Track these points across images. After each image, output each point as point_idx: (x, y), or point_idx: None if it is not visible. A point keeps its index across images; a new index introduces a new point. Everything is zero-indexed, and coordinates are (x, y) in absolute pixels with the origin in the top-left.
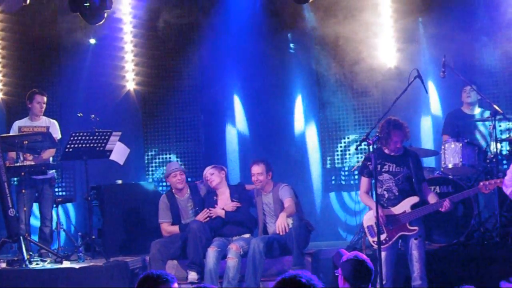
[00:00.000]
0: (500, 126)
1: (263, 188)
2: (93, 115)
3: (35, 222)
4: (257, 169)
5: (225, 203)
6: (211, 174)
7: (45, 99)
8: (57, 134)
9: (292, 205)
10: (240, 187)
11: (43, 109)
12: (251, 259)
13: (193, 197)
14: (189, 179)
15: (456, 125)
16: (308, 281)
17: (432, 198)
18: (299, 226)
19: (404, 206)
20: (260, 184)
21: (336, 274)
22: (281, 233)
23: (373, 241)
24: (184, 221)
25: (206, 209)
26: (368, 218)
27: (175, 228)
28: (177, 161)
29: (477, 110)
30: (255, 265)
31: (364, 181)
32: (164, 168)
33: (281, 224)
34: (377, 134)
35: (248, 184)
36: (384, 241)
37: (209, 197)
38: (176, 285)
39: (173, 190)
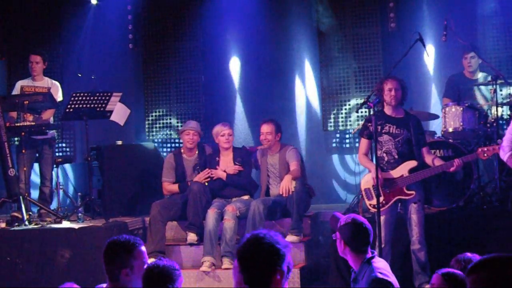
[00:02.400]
0: (501, 91)
1: (270, 148)
2: (93, 76)
3: (34, 182)
4: (266, 128)
5: (227, 165)
6: (230, 135)
7: (36, 58)
8: (57, 95)
9: (298, 169)
10: (243, 151)
11: (37, 69)
12: (251, 220)
13: (200, 158)
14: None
15: (457, 88)
16: (268, 239)
17: (437, 161)
18: (301, 190)
19: (402, 170)
20: (268, 144)
21: (334, 238)
22: (284, 195)
23: (370, 204)
24: (190, 180)
25: (207, 169)
26: (366, 181)
27: (175, 187)
28: (177, 122)
29: (479, 75)
30: (255, 226)
31: (364, 142)
32: (164, 129)
33: (285, 185)
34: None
35: (250, 146)
36: (381, 205)
37: (211, 158)
38: (143, 247)
39: (182, 149)
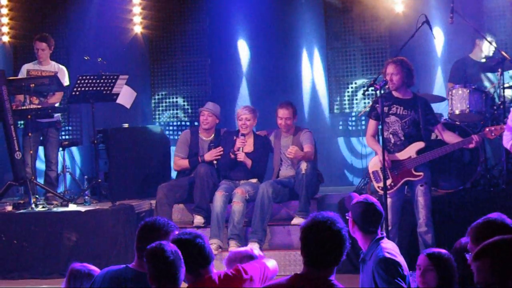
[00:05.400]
0: (509, 72)
1: (287, 131)
2: (100, 58)
3: (41, 165)
4: (285, 113)
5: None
6: (248, 120)
7: (42, 45)
8: (64, 80)
9: (311, 152)
10: (264, 137)
11: (43, 56)
12: (259, 204)
13: (215, 142)
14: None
15: (464, 72)
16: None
17: (455, 138)
18: (311, 173)
19: (410, 151)
20: (286, 128)
21: (347, 218)
22: (288, 155)
23: (378, 187)
24: (201, 156)
25: (219, 147)
26: (374, 164)
27: (185, 163)
28: (184, 105)
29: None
30: (263, 210)
31: (372, 123)
32: (170, 112)
33: (293, 149)
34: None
35: (261, 130)
36: (389, 187)
37: (228, 136)
38: (177, 232)
39: (199, 128)
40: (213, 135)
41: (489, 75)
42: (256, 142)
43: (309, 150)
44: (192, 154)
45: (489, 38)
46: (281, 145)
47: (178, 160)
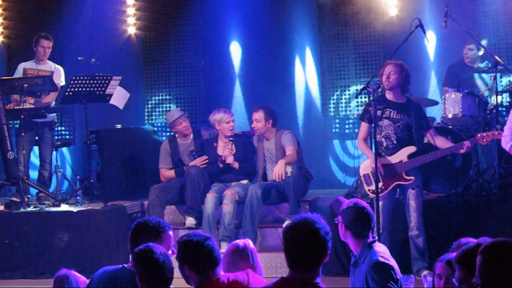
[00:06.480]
0: (501, 78)
1: (264, 135)
2: (94, 59)
3: (34, 165)
4: (255, 116)
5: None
6: (233, 122)
7: (47, 43)
8: (60, 80)
9: (294, 153)
10: (242, 136)
11: (47, 54)
12: (249, 205)
13: (196, 141)
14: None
15: (457, 77)
16: (322, 224)
17: (446, 143)
18: (297, 174)
19: (401, 155)
20: (258, 131)
21: (336, 222)
22: (277, 180)
23: (369, 190)
24: (187, 165)
25: (204, 156)
26: (365, 167)
27: (172, 173)
28: (177, 106)
29: (480, 64)
30: (253, 211)
31: (364, 126)
32: (165, 113)
33: (278, 170)
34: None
35: (248, 131)
36: (379, 190)
37: (208, 143)
38: (171, 232)
39: (176, 135)
40: (191, 136)
41: (485, 78)
42: (236, 144)
43: (291, 153)
44: (176, 162)
45: (470, 46)
46: (264, 148)
47: (164, 172)
